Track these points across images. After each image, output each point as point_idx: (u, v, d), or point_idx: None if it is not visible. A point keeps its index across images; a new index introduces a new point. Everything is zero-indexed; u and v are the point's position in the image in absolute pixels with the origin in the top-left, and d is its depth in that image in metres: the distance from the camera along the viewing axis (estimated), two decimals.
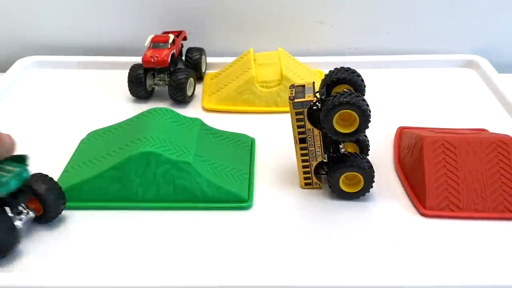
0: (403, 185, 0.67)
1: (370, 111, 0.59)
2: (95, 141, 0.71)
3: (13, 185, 0.55)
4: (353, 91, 0.62)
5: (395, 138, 0.75)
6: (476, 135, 0.67)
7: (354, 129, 0.60)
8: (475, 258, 0.57)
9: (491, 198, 0.62)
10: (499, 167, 0.63)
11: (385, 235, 0.60)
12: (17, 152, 0.58)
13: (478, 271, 0.55)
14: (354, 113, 0.59)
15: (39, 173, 0.60)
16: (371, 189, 0.64)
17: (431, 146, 0.65)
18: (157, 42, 0.86)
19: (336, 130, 0.60)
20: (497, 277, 0.54)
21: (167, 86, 0.85)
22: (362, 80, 0.64)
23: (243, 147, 0.73)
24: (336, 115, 0.59)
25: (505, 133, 0.67)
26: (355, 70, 0.64)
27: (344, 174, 0.63)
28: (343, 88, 0.63)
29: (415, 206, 0.63)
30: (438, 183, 0.63)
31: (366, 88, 0.65)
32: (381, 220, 0.62)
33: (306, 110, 0.62)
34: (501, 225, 0.61)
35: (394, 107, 0.84)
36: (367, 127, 0.60)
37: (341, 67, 0.65)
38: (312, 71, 0.92)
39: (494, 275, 0.54)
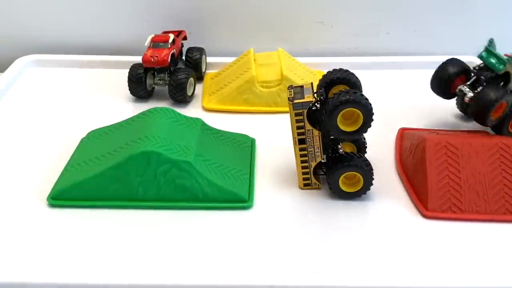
0: (404, 186, 0.67)
1: (372, 107, 0.59)
2: (95, 140, 0.70)
3: None
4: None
5: (396, 139, 0.76)
6: (478, 137, 0.67)
7: (359, 126, 0.60)
8: (476, 260, 0.57)
9: (493, 200, 0.62)
10: (501, 169, 0.63)
11: (386, 236, 0.60)
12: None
13: (479, 274, 0.55)
14: (357, 110, 0.59)
15: None
16: (372, 190, 0.64)
17: (433, 147, 0.65)
18: (157, 42, 0.86)
19: (341, 129, 0.60)
20: (498, 280, 0.54)
21: (167, 86, 0.85)
22: (357, 79, 0.64)
23: (244, 147, 0.73)
24: (340, 115, 0.59)
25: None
26: (348, 70, 0.65)
27: (344, 174, 0.63)
28: (340, 88, 0.63)
29: (416, 208, 0.63)
30: (440, 185, 0.63)
31: (366, 89, 0.65)
32: (382, 221, 0.62)
33: (305, 110, 0.62)
34: (503, 228, 0.61)
35: (395, 108, 0.84)
36: (371, 124, 0.60)
37: (334, 69, 0.65)
38: (312, 71, 0.92)
39: (495, 278, 0.54)
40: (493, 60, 0.72)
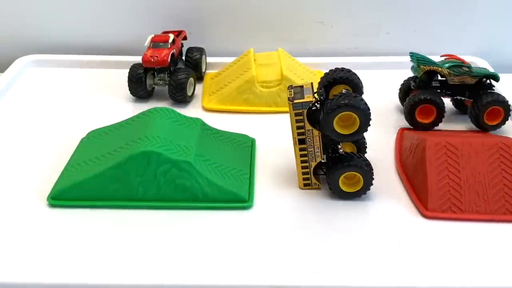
0: (404, 186, 0.67)
1: (370, 111, 0.59)
2: (95, 140, 0.70)
3: None
4: (351, 91, 0.62)
5: (396, 139, 0.75)
6: (478, 137, 0.67)
7: (355, 129, 0.60)
8: (476, 260, 0.56)
9: (493, 201, 0.62)
10: (501, 169, 0.63)
11: (386, 236, 0.60)
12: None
13: (479, 273, 0.55)
14: (354, 114, 0.59)
15: None
16: (372, 190, 0.64)
17: (433, 147, 0.65)
18: (157, 42, 0.86)
19: (337, 132, 0.60)
20: (498, 280, 0.54)
21: (167, 86, 0.85)
22: (359, 80, 0.64)
23: (244, 147, 0.73)
24: (336, 117, 0.60)
25: (506, 135, 0.67)
26: (350, 70, 0.65)
27: (344, 174, 0.63)
28: (341, 88, 0.63)
29: (416, 208, 0.63)
30: (440, 185, 0.63)
31: (366, 89, 0.65)
32: (382, 221, 0.62)
33: (305, 111, 0.62)
34: (503, 228, 0.61)
35: (395, 108, 0.84)
36: (367, 128, 0.60)
37: (336, 68, 0.65)
38: (312, 71, 0.92)
39: (495, 278, 0.54)
40: (415, 71, 0.79)
